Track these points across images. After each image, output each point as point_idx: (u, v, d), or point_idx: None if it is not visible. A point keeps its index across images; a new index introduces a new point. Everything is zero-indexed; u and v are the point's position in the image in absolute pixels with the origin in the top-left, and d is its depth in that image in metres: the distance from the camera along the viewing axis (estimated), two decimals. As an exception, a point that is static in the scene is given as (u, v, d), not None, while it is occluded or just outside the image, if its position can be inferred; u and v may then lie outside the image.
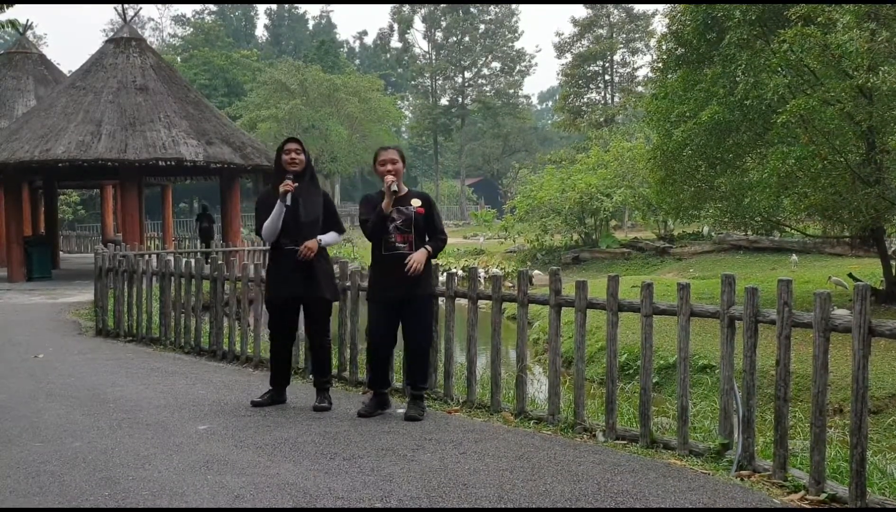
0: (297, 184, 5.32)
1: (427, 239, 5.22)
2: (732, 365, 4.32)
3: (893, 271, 11.63)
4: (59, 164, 16.92)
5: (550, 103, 74.94)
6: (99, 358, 7.77)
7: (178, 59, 54.81)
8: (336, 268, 6.10)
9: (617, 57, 46.49)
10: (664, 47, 12.63)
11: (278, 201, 5.29)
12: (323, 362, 5.51)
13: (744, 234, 21.30)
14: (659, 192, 13.03)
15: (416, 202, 5.17)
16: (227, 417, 5.17)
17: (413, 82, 61.03)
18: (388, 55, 72.46)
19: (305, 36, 77.97)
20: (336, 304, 5.87)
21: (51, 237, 21.50)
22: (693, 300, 4.56)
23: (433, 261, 5.35)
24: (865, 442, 3.59)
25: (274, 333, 5.59)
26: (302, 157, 5.41)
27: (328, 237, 5.47)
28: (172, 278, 8.33)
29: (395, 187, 5.05)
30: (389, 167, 5.13)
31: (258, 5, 79.96)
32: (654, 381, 5.20)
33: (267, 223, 5.35)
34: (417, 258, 5.07)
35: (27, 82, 23.56)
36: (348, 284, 6.40)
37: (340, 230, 5.56)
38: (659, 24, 40.75)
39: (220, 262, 7.98)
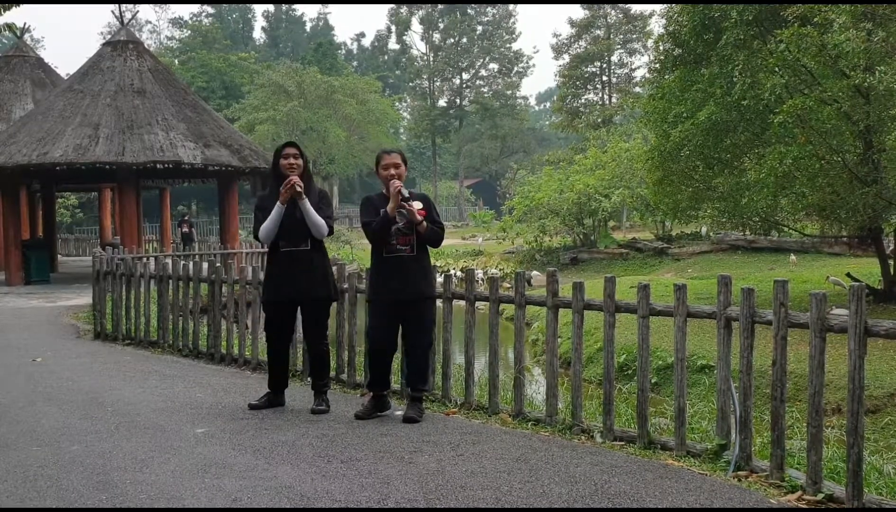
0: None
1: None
2: (729, 366, 4.32)
3: (891, 270, 11.65)
4: (57, 168, 16.90)
5: (548, 104, 74.91)
6: (97, 361, 7.76)
7: (176, 61, 54.74)
8: (333, 270, 6.09)
9: (614, 58, 46.49)
10: (661, 48, 12.66)
11: (277, 203, 5.30)
12: (321, 365, 5.51)
13: (742, 235, 21.36)
14: (657, 193, 13.05)
15: (417, 205, 5.16)
16: (225, 420, 5.17)
17: (411, 84, 61.02)
18: (386, 57, 72.52)
19: (303, 38, 77.94)
20: (333, 305, 5.86)
21: (49, 240, 21.50)
22: (691, 300, 4.57)
23: (431, 262, 5.35)
24: (862, 442, 3.60)
25: (271, 335, 5.58)
26: (300, 162, 5.41)
27: (312, 209, 5.31)
28: (170, 281, 8.32)
29: (405, 193, 5.01)
30: (393, 172, 5.12)
31: (255, 6, 79.91)
32: (652, 381, 5.22)
33: (265, 225, 5.35)
34: (413, 205, 5.02)
35: (24, 86, 23.53)
36: (346, 285, 6.40)
37: (329, 226, 5.40)
38: (656, 25, 40.79)
39: (217, 264, 7.97)
